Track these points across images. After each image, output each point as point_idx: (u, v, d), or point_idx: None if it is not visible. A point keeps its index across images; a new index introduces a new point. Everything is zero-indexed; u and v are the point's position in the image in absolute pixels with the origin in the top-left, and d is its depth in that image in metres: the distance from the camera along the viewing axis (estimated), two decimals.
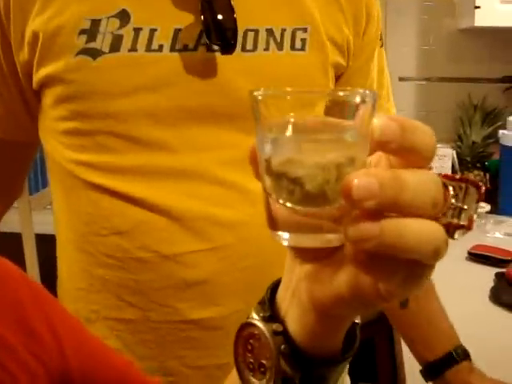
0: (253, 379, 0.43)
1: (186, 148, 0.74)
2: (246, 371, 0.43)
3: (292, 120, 0.35)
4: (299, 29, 0.77)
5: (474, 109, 2.16)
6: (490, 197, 1.85)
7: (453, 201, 0.34)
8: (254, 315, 0.43)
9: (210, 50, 0.73)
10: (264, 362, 0.42)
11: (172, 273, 0.75)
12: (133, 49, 0.72)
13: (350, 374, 0.97)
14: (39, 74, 0.75)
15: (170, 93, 0.73)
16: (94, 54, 0.72)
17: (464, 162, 2.07)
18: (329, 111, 0.35)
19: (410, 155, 0.34)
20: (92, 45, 0.72)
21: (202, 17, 0.71)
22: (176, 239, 0.75)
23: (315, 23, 0.78)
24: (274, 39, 0.76)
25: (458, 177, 0.35)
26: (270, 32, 0.76)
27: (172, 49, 0.73)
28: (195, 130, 0.74)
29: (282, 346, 0.41)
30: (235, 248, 0.76)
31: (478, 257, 1.55)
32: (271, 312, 0.42)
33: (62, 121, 0.76)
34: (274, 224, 0.37)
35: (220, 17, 0.71)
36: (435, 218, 0.33)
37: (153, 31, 0.72)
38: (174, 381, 0.78)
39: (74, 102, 0.74)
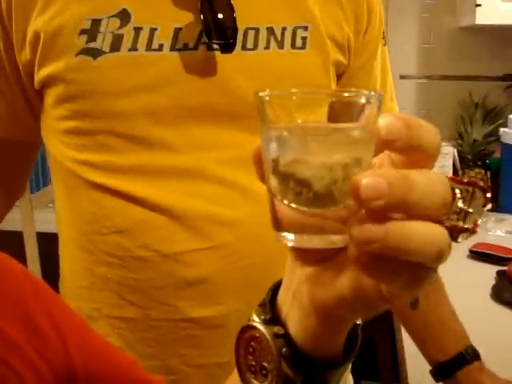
0: (254, 381, 0.43)
1: (187, 147, 0.75)
2: (247, 373, 0.43)
3: (298, 121, 0.35)
4: (300, 27, 0.77)
5: (475, 107, 2.16)
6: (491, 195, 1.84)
7: (459, 204, 0.34)
8: (255, 317, 0.43)
9: (210, 48, 0.73)
10: (265, 364, 0.42)
11: (172, 271, 0.75)
12: (133, 48, 0.72)
13: (352, 372, 0.97)
14: (40, 74, 0.75)
15: (169, 92, 0.73)
16: (95, 53, 0.72)
17: (465, 160, 2.07)
18: (334, 112, 0.35)
19: (416, 153, 0.34)
20: (92, 45, 0.72)
21: (202, 16, 0.71)
22: (176, 238, 0.75)
23: (316, 21, 0.78)
24: (275, 38, 0.76)
25: (465, 180, 0.35)
26: (270, 30, 0.76)
27: (172, 48, 0.73)
28: (195, 129, 0.74)
29: (284, 349, 0.41)
30: (235, 247, 0.76)
31: (479, 255, 1.55)
32: (272, 314, 0.42)
33: (63, 120, 0.76)
34: (278, 225, 0.37)
35: (220, 16, 0.71)
36: (440, 221, 0.33)
37: (153, 30, 0.73)
38: (175, 379, 0.78)
39: (74, 101, 0.74)
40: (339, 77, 0.83)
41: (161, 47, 0.73)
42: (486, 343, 0.89)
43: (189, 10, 0.73)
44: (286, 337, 0.41)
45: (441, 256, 0.33)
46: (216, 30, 0.71)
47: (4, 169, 0.89)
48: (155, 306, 0.77)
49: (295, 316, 0.41)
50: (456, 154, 2.01)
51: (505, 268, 1.42)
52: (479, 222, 0.34)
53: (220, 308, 0.77)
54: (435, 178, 0.33)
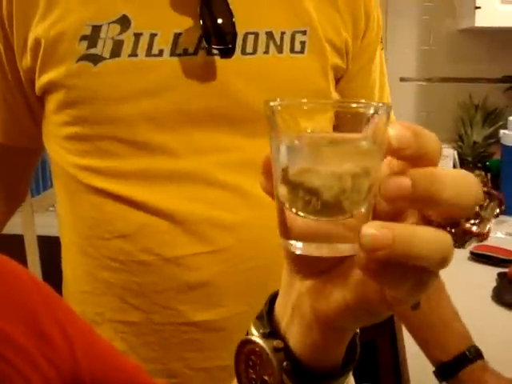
0: None
1: (187, 151, 0.75)
2: None
3: (308, 130, 0.36)
4: (298, 31, 0.78)
5: (475, 109, 2.16)
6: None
7: (476, 209, 0.35)
8: (254, 331, 0.43)
9: (209, 53, 0.74)
10: (266, 378, 0.42)
11: (174, 275, 0.76)
12: (133, 54, 0.73)
13: (353, 375, 0.97)
14: (41, 80, 0.75)
15: (170, 97, 0.73)
16: (95, 59, 0.72)
17: (465, 162, 2.08)
18: (342, 122, 0.35)
19: (422, 160, 0.34)
20: (93, 51, 0.72)
21: (202, 21, 0.72)
22: (178, 242, 0.75)
23: (314, 26, 0.78)
24: (274, 42, 0.76)
25: (485, 189, 0.36)
26: (269, 35, 0.76)
27: (172, 53, 0.73)
28: (196, 133, 0.75)
29: (285, 363, 0.41)
30: (236, 250, 0.76)
31: (480, 257, 1.55)
32: (271, 328, 0.42)
33: (64, 126, 0.76)
34: (286, 233, 0.37)
35: (219, 21, 0.71)
36: (459, 222, 0.34)
37: (153, 36, 0.73)
38: (177, 383, 0.79)
39: (75, 107, 0.74)
40: (337, 81, 0.83)
41: (161, 52, 0.73)
42: (487, 345, 0.90)
43: (188, 16, 0.74)
44: (286, 350, 0.41)
45: (445, 260, 0.34)
46: (215, 35, 0.72)
47: (5, 175, 0.90)
48: (158, 310, 0.77)
49: (295, 329, 0.41)
50: (456, 156, 2.01)
51: (505, 270, 1.42)
52: (488, 229, 0.35)
53: (222, 311, 0.77)
54: (468, 174, 0.35)
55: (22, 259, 1.85)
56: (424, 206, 0.35)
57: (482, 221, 0.35)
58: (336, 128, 0.35)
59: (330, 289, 0.38)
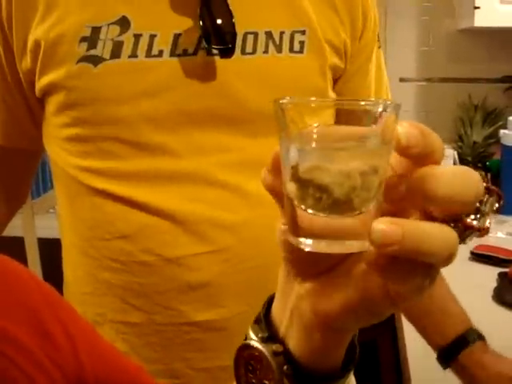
0: None
1: (187, 152, 0.75)
2: None
3: (318, 128, 0.36)
4: (297, 31, 0.78)
5: (475, 109, 2.16)
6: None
7: (477, 204, 0.35)
8: (252, 336, 0.43)
9: (209, 54, 0.74)
10: (267, 382, 0.42)
11: (175, 276, 0.76)
12: (133, 55, 0.73)
13: (354, 375, 0.97)
14: (41, 82, 0.75)
15: (170, 97, 0.74)
16: (95, 61, 0.73)
17: (465, 162, 2.08)
18: (350, 119, 0.35)
19: (427, 158, 0.35)
20: (93, 52, 0.73)
21: (201, 22, 0.72)
22: (179, 242, 0.75)
23: (313, 26, 0.78)
24: (273, 42, 0.76)
25: (485, 185, 0.36)
26: (269, 35, 0.76)
27: (172, 54, 0.73)
28: (196, 133, 0.75)
29: (285, 367, 0.41)
30: (237, 250, 0.76)
31: (480, 257, 1.55)
32: (269, 332, 0.42)
33: (64, 127, 0.76)
34: (296, 230, 0.37)
35: (219, 21, 0.72)
36: (460, 218, 0.34)
37: (153, 37, 0.73)
38: (179, 383, 0.79)
39: (75, 108, 0.74)
40: (335, 81, 0.84)
41: (160, 53, 0.73)
42: (488, 345, 0.89)
43: (188, 16, 0.74)
44: (285, 354, 0.41)
45: (452, 256, 0.34)
46: (215, 36, 0.72)
47: (6, 176, 0.90)
48: (159, 311, 0.77)
49: (295, 332, 0.41)
50: (456, 156, 2.01)
51: (506, 270, 1.42)
52: (488, 224, 0.36)
53: (223, 311, 0.77)
54: (468, 170, 0.35)
55: (23, 261, 1.84)
56: (424, 205, 0.35)
57: (482, 216, 0.35)
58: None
59: (330, 289, 0.39)
